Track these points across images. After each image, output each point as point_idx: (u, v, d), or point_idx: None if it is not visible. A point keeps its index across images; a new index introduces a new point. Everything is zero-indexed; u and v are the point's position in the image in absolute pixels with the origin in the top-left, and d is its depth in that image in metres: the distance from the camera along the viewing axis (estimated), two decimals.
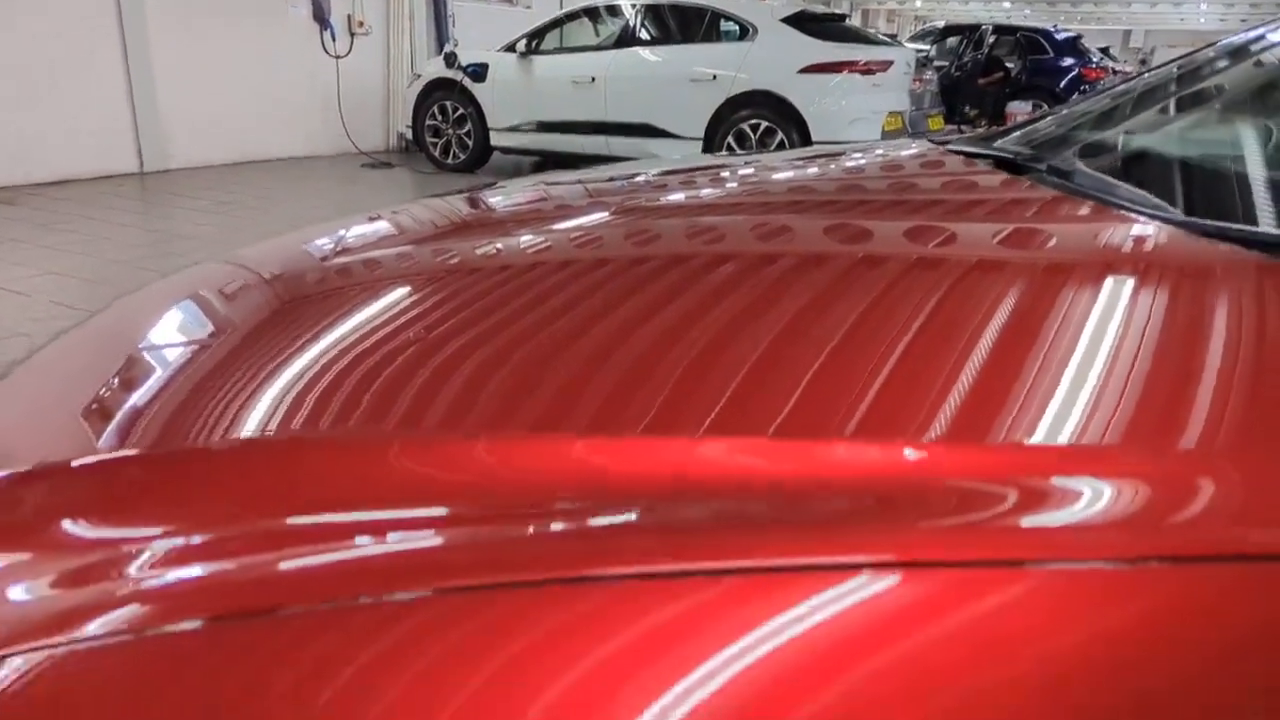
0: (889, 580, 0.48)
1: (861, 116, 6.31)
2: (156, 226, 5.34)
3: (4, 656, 0.49)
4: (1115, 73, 11.91)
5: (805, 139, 6.32)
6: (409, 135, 8.22)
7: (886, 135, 6.32)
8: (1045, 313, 0.74)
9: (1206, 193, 1.08)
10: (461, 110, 7.70)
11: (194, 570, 0.54)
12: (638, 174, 1.51)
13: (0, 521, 0.64)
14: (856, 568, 0.49)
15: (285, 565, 0.52)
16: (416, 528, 0.55)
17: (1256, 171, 1.10)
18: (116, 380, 0.87)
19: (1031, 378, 0.64)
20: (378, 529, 0.55)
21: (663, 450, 0.61)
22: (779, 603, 0.47)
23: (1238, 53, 1.39)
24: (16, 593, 0.55)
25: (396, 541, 0.54)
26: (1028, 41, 11.77)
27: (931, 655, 0.45)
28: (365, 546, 0.53)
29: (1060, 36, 11.95)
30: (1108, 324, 0.71)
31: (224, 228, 5.28)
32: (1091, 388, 0.62)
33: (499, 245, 1.09)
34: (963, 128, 9.16)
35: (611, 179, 1.51)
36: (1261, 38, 1.34)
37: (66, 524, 0.61)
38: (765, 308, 0.81)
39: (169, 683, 0.46)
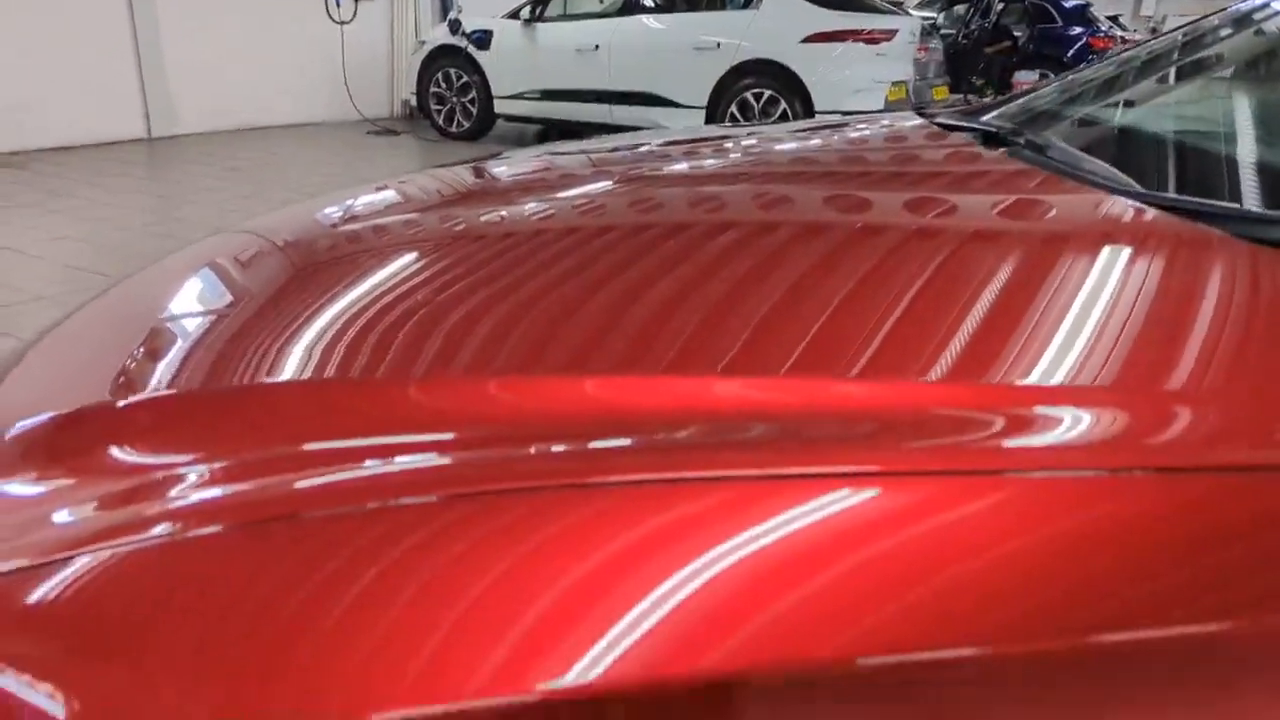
0: (873, 489, 0.55)
1: (864, 87, 6.32)
2: (165, 192, 5.40)
3: (70, 557, 0.57)
4: (1124, 41, 11.84)
5: (808, 109, 6.34)
6: (413, 102, 8.24)
7: (890, 106, 6.33)
8: (994, 269, 0.82)
9: (1172, 169, 1.15)
10: (465, 78, 7.71)
11: (223, 488, 0.62)
12: (640, 144, 1.57)
13: (60, 451, 0.73)
14: (842, 477, 0.56)
15: (303, 483, 0.60)
16: (425, 450, 0.63)
17: (1225, 149, 1.16)
18: (149, 335, 0.95)
19: (1001, 323, 0.72)
20: (389, 451, 0.63)
21: (661, 385, 0.68)
22: (770, 508, 0.53)
23: (1235, 24, 1.43)
24: (76, 507, 0.64)
25: (407, 461, 0.61)
26: (1035, 9, 11.68)
27: (913, 556, 0.51)
28: (377, 466, 0.61)
29: (1069, 4, 11.85)
30: (1049, 282, 0.79)
31: (232, 194, 5.33)
32: (1063, 332, 0.70)
33: (504, 213, 1.16)
34: (969, 98, 9.13)
35: (615, 149, 1.57)
36: (1266, 5, 1.39)
37: (114, 453, 0.70)
38: (758, 265, 0.88)
39: (204, 578, 0.54)
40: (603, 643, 0.48)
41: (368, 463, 0.61)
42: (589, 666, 0.47)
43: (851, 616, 0.49)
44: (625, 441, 0.61)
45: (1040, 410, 0.62)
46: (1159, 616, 0.51)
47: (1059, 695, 0.50)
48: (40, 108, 6.48)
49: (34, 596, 0.56)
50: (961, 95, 9.31)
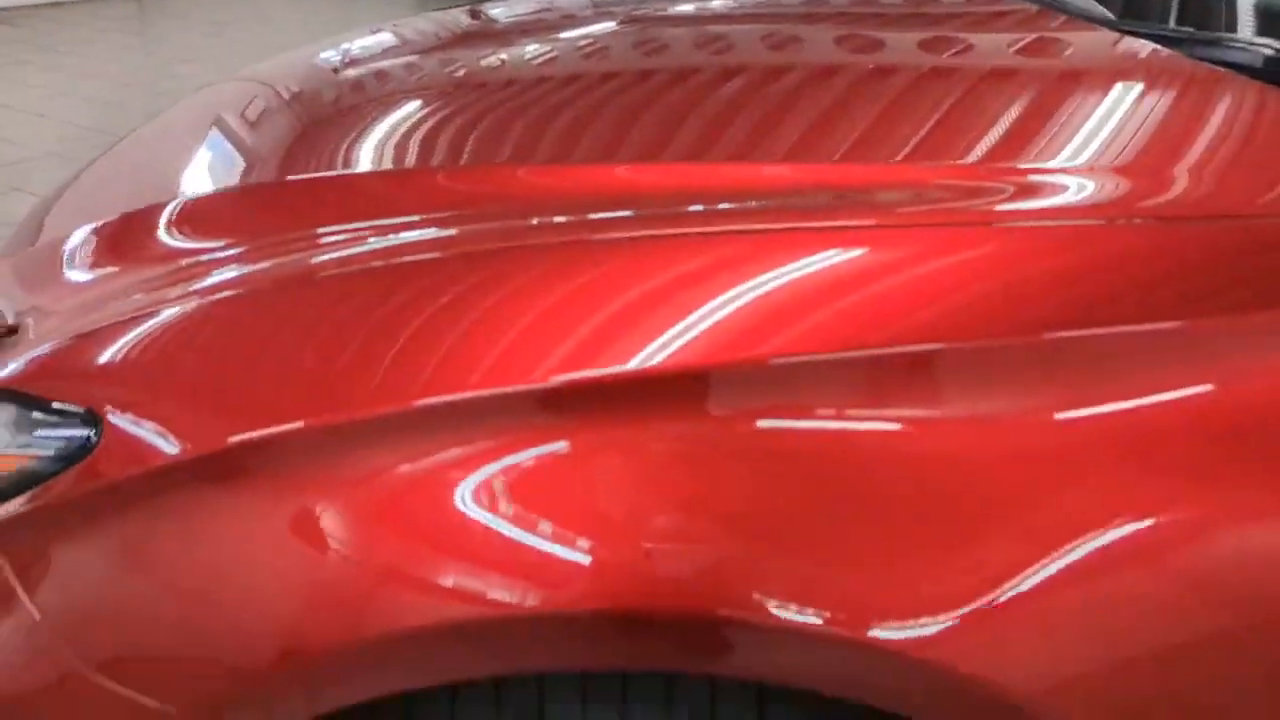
0: (867, 243, 0.65)
1: None
2: (161, 51, 5.37)
3: (131, 319, 0.73)
4: None
5: None
6: None
7: None
8: (996, 70, 0.95)
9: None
10: None
11: (251, 265, 0.77)
12: None
13: (115, 247, 0.89)
14: (838, 229, 0.66)
15: (321, 257, 0.74)
16: (431, 226, 0.75)
17: None
18: (175, 158, 1.08)
19: (1001, 113, 0.83)
20: (398, 229, 0.76)
21: (664, 170, 0.79)
22: (770, 259, 0.64)
23: None
24: (132, 285, 0.79)
25: (414, 235, 0.75)
26: None
27: (907, 299, 0.61)
28: (387, 240, 0.74)
29: None
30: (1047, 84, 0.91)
31: (226, 50, 5.30)
32: (1066, 121, 0.81)
33: (504, 55, 1.24)
34: None
35: None
36: None
37: (158, 245, 0.86)
38: (764, 80, 0.99)
39: (241, 331, 0.70)
40: (604, 335, 0.61)
41: (372, 240, 0.75)
42: (595, 355, 0.61)
43: (862, 314, 0.61)
44: (626, 213, 0.71)
45: (1037, 179, 0.72)
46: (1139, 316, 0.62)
47: (1039, 376, 0.61)
48: None
49: (108, 351, 0.72)
50: None
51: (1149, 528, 0.59)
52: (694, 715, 0.64)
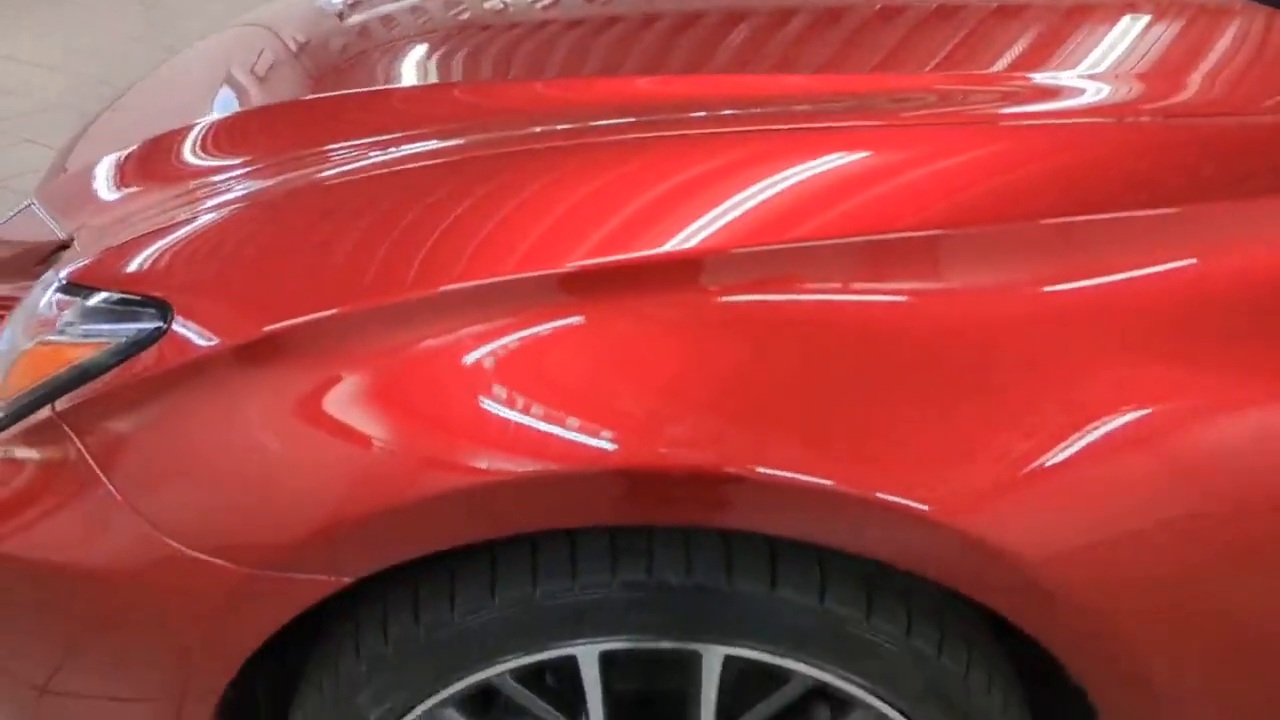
0: (873, 140, 0.69)
1: None
2: (164, 4, 5.36)
3: (163, 229, 0.79)
4: None
5: None
6: None
7: None
8: None
9: None
10: None
11: (264, 179, 0.83)
12: None
13: (141, 169, 0.97)
14: (847, 129, 0.70)
15: (329, 170, 0.80)
16: (434, 137, 0.81)
17: None
18: (189, 92, 1.15)
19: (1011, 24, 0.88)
20: (402, 142, 0.81)
21: (671, 82, 0.83)
22: (778, 158, 0.69)
23: None
24: (158, 201, 0.86)
25: (417, 146, 0.80)
26: None
27: (908, 193, 0.66)
28: (391, 151, 0.80)
29: None
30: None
31: (228, 7, 5.28)
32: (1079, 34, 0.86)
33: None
34: None
35: None
36: None
37: (189, 159, 0.93)
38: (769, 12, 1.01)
39: (256, 235, 0.76)
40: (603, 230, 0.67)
41: (374, 153, 0.80)
42: (598, 247, 0.66)
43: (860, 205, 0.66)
44: (629, 119, 0.77)
45: (1043, 84, 0.76)
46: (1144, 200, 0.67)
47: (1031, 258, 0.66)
48: None
49: (145, 255, 0.79)
50: None
51: (1150, 398, 0.64)
52: (709, 566, 0.71)
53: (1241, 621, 0.69)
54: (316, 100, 0.98)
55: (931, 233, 0.66)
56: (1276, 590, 0.67)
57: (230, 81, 1.16)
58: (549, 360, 0.66)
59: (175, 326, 0.71)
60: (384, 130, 0.84)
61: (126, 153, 1.01)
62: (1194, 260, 0.65)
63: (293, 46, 1.19)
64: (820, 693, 0.79)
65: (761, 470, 0.63)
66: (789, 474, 0.63)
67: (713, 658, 0.73)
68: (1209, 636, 0.68)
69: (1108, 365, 0.64)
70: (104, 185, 0.98)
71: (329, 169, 0.80)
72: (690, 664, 0.74)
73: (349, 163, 0.80)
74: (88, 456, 0.73)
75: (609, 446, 0.64)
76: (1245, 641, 0.69)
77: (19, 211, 1.09)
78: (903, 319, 0.66)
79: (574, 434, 0.64)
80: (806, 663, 0.72)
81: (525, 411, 0.65)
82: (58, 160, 1.16)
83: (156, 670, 0.75)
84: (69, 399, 0.74)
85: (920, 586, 0.71)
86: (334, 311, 0.68)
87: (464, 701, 0.78)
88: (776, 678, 0.75)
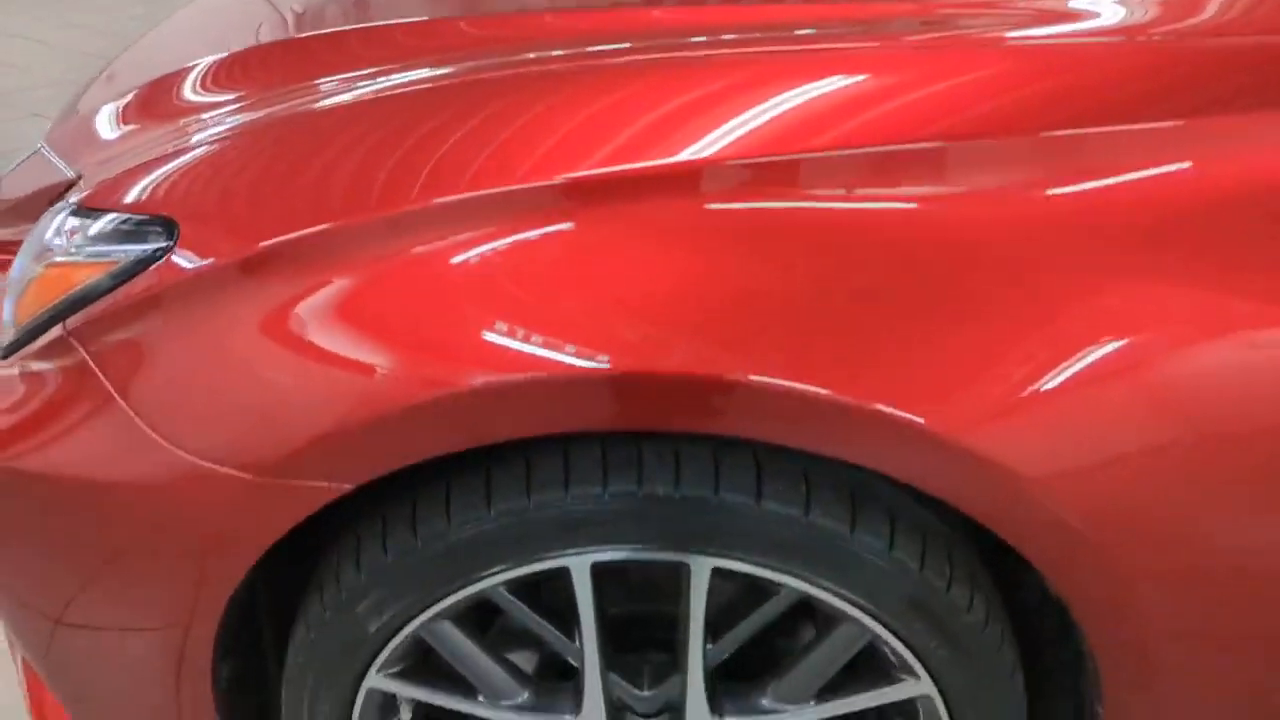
0: (869, 61, 0.70)
1: None
2: None
3: (166, 156, 0.81)
4: None
5: None
6: None
7: None
8: None
9: None
10: None
11: (255, 111, 0.85)
12: None
13: (141, 109, 1.00)
14: (852, 50, 0.71)
15: (322, 102, 0.82)
16: (426, 67, 0.83)
17: None
18: (186, 42, 1.17)
19: None
20: (397, 70, 0.84)
21: (669, 12, 0.85)
22: (791, 78, 0.70)
23: None
24: (159, 135, 0.89)
25: (410, 75, 0.82)
26: None
27: (910, 114, 0.67)
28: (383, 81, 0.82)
29: None
30: None
31: None
32: None
33: None
34: None
35: None
36: None
37: (188, 96, 0.96)
38: None
39: (257, 157, 0.78)
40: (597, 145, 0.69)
41: (375, 80, 0.82)
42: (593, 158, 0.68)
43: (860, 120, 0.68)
44: (625, 44, 0.78)
45: (1048, 7, 0.76)
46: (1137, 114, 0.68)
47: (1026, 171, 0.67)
48: None
49: (152, 177, 0.81)
50: None
51: (1146, 306, 0.65)
52: (697, 478, 0.73)
53: (1231, 549, 0.69)
54: (316, 36, 1.00)
55: (935, 144, 0.67)
56: (1268, 519, 0.68)
57: (237, 28, 1.18)
58: (541, 266, 0.68)
59: (180, 244, 0.73)
60: (382, 62, 0.86)
61: (131, 94, 1.03)
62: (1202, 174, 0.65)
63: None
64: (806, 612, 0.81)
65: (756, 378, 0.65)
66: (785, 382, 0.65)
67: (701, 570, 0.75)
68: (1197, 564, 0.69)
69: (1110, 284, 0.65)
70: (108, 125, 1.00)
71: (328, 98, 0.83)
72: (680, 579, 0.76)
73: (347, 91, 0.82)
74: (98, 371, 0.75)
75: (602, 353, 0.65)
76: (1233, 569, 0.70)
77: (29, 157, 1.12)
78: (903, 231, 0.67)
79: (568, 340, 0.66)
80: (792, 575, 0.74)
81: (519, 318, 0.67)
82: (68, 107, 1.18)
83: (165, 587, 0.77)
84: (79, 317, 0.76)
85: (904, 501, 0.73)
86: (327, 226, 0.70)
87: (461, 619, 0.80)
88: (763, 594, 0.77)
